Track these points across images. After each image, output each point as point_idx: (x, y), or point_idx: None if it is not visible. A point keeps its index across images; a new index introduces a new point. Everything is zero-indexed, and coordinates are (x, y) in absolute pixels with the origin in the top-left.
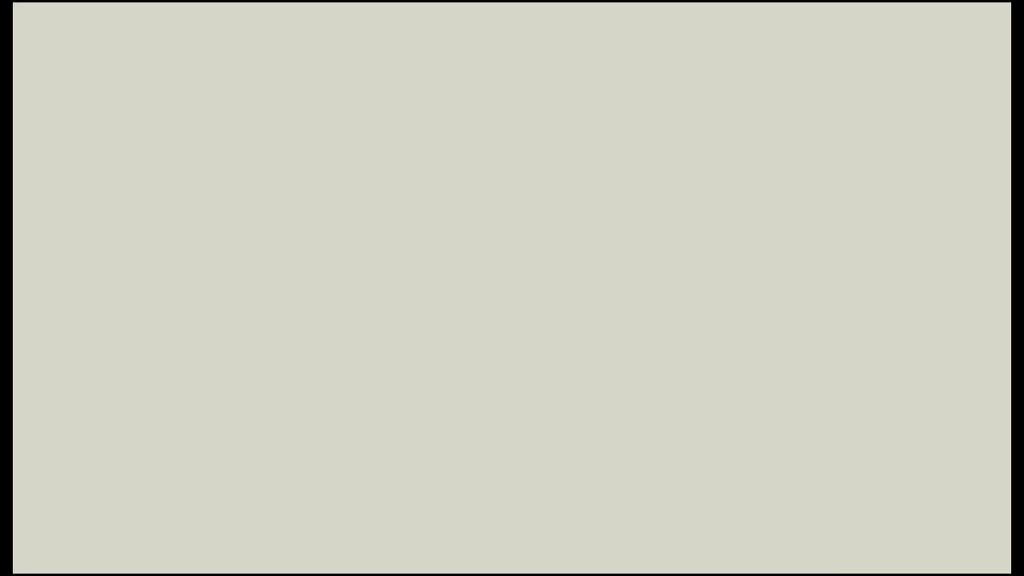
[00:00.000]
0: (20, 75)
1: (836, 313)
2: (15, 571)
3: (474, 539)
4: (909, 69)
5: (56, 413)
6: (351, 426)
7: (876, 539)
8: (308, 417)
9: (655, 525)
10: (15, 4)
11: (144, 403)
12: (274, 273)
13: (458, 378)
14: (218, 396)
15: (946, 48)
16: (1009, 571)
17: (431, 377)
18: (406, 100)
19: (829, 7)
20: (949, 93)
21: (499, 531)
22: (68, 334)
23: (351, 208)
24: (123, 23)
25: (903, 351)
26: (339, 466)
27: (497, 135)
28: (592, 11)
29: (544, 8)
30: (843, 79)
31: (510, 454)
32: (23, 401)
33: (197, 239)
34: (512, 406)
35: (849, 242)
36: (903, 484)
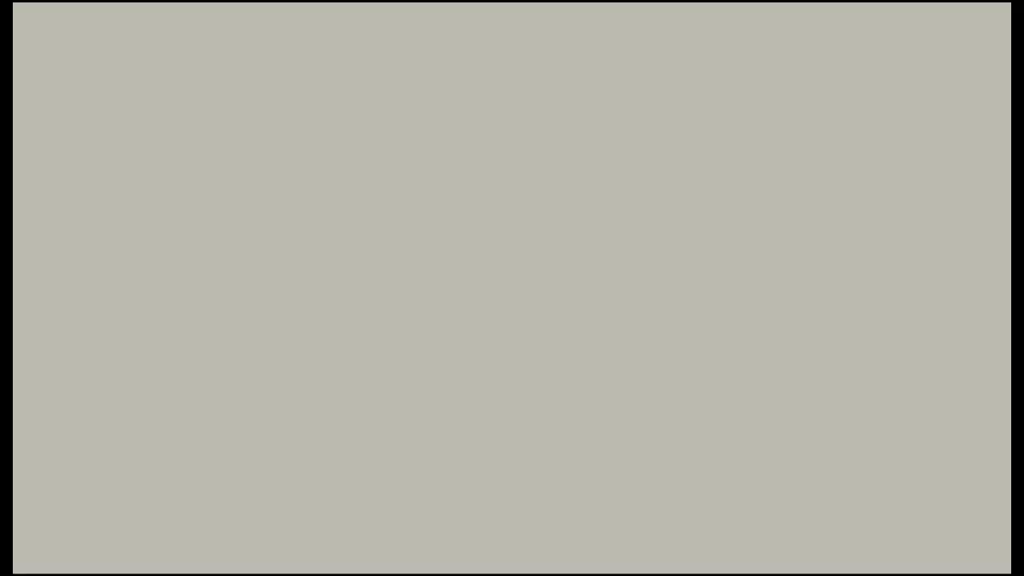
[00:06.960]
0: (20, 75)
1: (836, 312)
2: (15, 571)
3: (474, 539)
4: (909, 69)
5: (56, 413)
6: (351, 425)
7: (876, 539)
8: (308, 416)
9: (655, 525)
10: (15, 4)
11: (144, 402)
12: (274, 272)
13: (458, 377)
14: (218, 395)
15: (946, 48)
16: (1009, 571)
17: (431, 376)
18: (406, 100)
19: (829, 7)
20: (949, 93)
21: (499, 531)
22: (68, 334)
23: (351, 208)
24: (123, 23)
25: (903, 351)
26: (339, 466)
27: (497, 136)
28: (593, 11)
29: (544, 8)
30: (843, 79)
31: (510, 454)
32: (23, 401)
33: (197, 239)
34: (512, 405)
35: (849, 242)
36: (903, 484)
